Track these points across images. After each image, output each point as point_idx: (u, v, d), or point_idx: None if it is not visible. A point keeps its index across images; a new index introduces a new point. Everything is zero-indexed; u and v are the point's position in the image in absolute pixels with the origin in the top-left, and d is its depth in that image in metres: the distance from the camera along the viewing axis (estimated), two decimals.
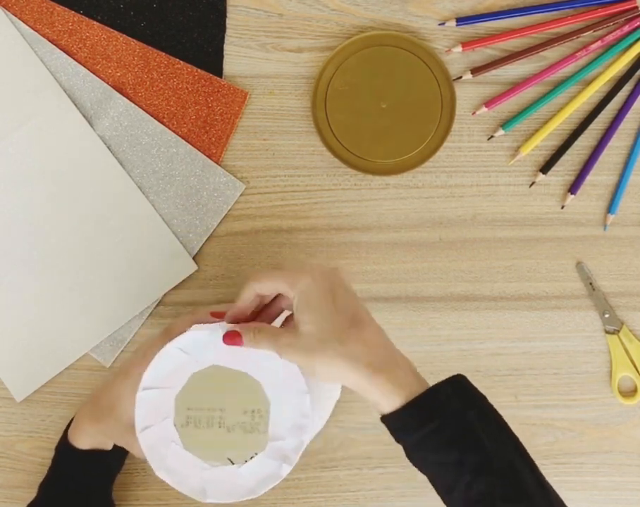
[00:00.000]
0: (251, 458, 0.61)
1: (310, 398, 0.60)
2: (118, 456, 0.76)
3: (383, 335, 0.60)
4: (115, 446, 0.74)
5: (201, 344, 0.61)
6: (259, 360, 0.61)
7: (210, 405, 0.61)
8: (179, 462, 0.61)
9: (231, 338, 0.61)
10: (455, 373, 0.60)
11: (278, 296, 0.64)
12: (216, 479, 0.61)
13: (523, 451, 0.58)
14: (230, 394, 0.61)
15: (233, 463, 0.61)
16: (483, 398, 0.60)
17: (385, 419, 0.59)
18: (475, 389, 0.60)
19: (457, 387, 0.59)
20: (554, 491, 0.57)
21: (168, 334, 0.66)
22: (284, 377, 0.60)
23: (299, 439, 0.60)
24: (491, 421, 0.59)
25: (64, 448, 0.74)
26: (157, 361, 0.62)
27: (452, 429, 0.57)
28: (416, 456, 0.59)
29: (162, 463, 0.61)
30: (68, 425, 0.75)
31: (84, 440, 0.72)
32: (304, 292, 0.59)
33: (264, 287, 0.61)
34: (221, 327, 0.61)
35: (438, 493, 0.59)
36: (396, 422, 0.58)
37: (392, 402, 0.57)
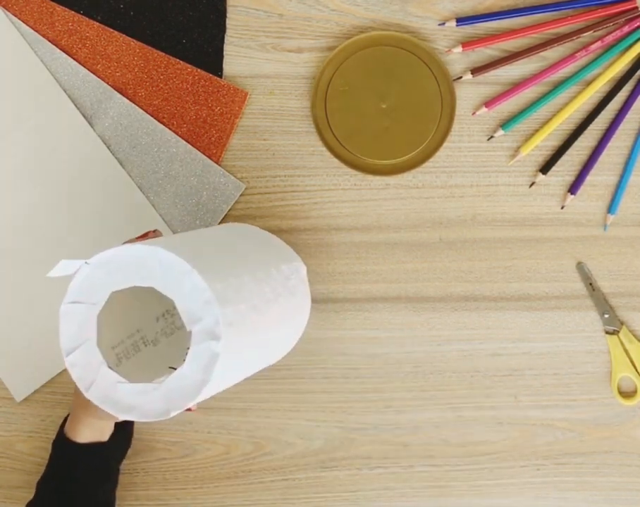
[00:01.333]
0: (186, 354, 0.60)
1: (201, 272, 0.59)
2: (116, 448, 0.77)
3: None
4: (112, 438, 0.74)
5: (86, 287, 0.61)
6: (144, 270, 0.60)
7: (127, 333, 0.61)
8: (133, 397, 0.61)
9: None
10: None
11: None
12: (169, 391, 0.60)
13: None
14: (135, 312, 0.61)
15: (175, 368, 0.60)
16: None
17: None
18: None
19: None
20: None
21: None
22: (167, 271, 0.59)
23: (213, 311, 0.59)
24: None
25: (61, 443, 0.74)
26: (62, 325, 0.61)
27: None
28: None
29: (119, 406, 0.61)
30: (62, 424, 0.76)
31: (82, 432, 0.73)
32: None
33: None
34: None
35: None
36: None
37: None
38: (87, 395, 0.61)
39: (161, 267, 0.59)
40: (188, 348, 0.60)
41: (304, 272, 0.78)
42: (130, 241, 0.67)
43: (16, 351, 0.82)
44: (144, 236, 0.67)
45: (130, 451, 0.80)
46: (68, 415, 0.76)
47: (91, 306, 0.61)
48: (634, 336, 0.83)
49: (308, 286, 0.79)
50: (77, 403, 0.73)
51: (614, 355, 0.82)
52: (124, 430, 0.77)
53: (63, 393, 0.82)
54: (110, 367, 0.61)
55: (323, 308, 0.83)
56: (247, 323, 0.63)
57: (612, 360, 0.83)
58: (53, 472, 0.75)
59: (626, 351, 0.82)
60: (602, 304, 0.83)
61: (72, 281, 0.60)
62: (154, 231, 0.68)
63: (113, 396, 0.61)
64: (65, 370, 0.82)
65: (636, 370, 0.82)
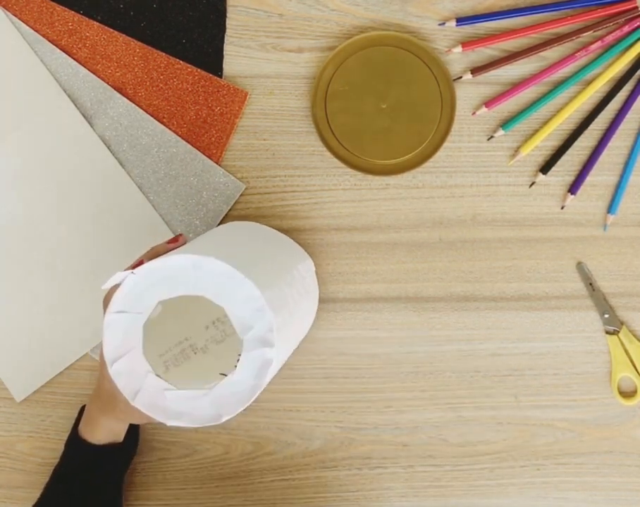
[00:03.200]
0: (237, 360, 0.61)
1: (252, 280, 0.60)
2: (127, 450, 0.77)
3: None
4: (125, 440, 0.74)
5: (133, 297, 0.62)
6: (192, 279, 0.61)
7: (175, 341, 0.62)
8: (181, 404, 0.62)
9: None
10: None
11: None
12: (220, 397, 0.62)
13: None
14: (185, 321, 0.62)
15: (226, 375, 0.61)
16: None
17: None
18: None
19: None
20: None
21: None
22: (219, 279, 0.61)
23: (265, 319, 0.60)
24: None
25: (77, 443, 0.74)
26: (106, 335, 0.62)
27: None
28: None
29: (167, 413, 0.62)
30: (76, 423, 0.75)
31: (99, 433, 0.73)
32: None
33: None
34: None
35: None
36: None
37: None
38: (134, 403, 0.62)
39: (211, 276, 0.61)
40: (239, 355, 0.61)
41: (314, 268, 0.80)
42: (160, 246, 0.68)
43: (16, 351, 0.82)
44: (174, 241, 0.68)
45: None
46: (79, 416, 0.76)
47: (137, 316, 0.62)
48: (634, 336, 0.83)
49: (317, 282, 0.79)
50: (94, 405, 0.73)
51: (614, 355, 0.83)
52: (132, 431, 0.77)
53: (63, 393, 0.82)
54: (157, 375, 0.62)
55: (323, 308, 0.83)
56: (287, 327, 0.65)
57: (612, 360, 0.83)
58: (67, 471, 0.75)
59: (626, 351, 0.83)
60: (602, 304, 0.83)
61: (118, 290, 0.62)
62: (181, 235, 0.69)
63: (161, 404, 0.62)
64: (65, 370, 0.82)
65: (636, 370, 0.82)
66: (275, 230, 0.80)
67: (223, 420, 0.62)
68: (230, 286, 0.60)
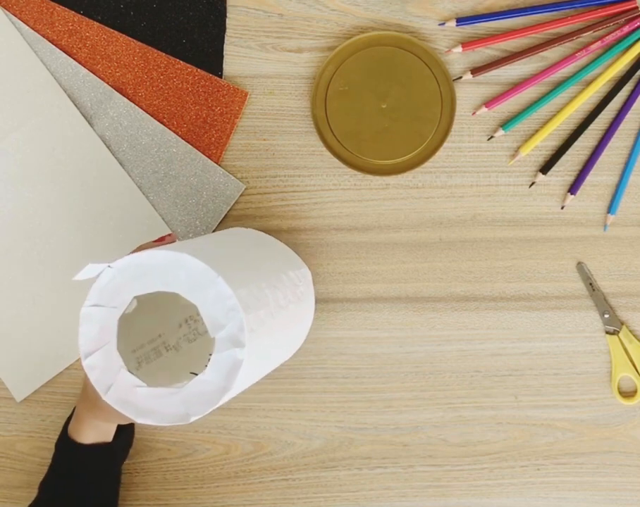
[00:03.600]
0: (208, 360, 0.60)
1: (226, 279, 0.60)
2: (119, 449, 0.77)
3: None
4: (116, 438, 0.74)
5: (108, 291, 0.61)
6: (168, 276, 0.60)
7: (149, 338, 0.62)
8: (151, 401, 0.61)
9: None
10: None
11: None
12: (190, 396, 0.61)
13: None
14: (159, 318, 0.61)
15: (196, 374, 0.61)
16: None
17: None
18: None
19: None
20: None
21: None
22: (192, 277, 0.60)
23: (237, 318, 0.59)
24: None
25: (66, 444, 0.74)
26: (81, 328, 0.61)
27: None
28: None
29: (137, 410, 0.61)
30: (66, 423, 0.76)
31: (86, 433, 0.73)
32: None
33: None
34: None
35: None
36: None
37: None
38: (105, 398, 0.62)
39: (186, 273, 0.60)
40: (210, 355, 0.60)
41: (310, 277, 0.79)
42: (147, 244, 0.67)
43: (16, 351, 0.82)
44: (161, 240, 0.68)
45: (130, 451, 0.80)
46: (71, 416, 0.76)
47: (113, 310, 0.61)
48: (634, 336, 0.83)
49: (313, 291, 0.79)
50: (82, 404, 0.73)
51: (614, 355, 0.83)
52: (126, 431, 0.77)
53: (63, 393, 0.82)
54: (129, 371, 0.61)
55: (323, 308, 0.83)
56: (264, 329, 0.64)
57: (612, 360, 0.83)
58: (56, 473, 0.75)
59: (626, 351, 0.83)
60: (602, 304, 0.83)
61: (95, 283, 0.61)
62: (169, 234, 0.69)
63: (132, 400, 0.62)
64: (65, 370, 0.82)
65: (636, 370, 0.82)
66: (272, 237, 0.80)
67: (192, 419, 0.61)
68: (203, 284, 0.59)
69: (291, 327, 0.74)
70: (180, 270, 0.60)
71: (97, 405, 0.70)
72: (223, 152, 0.83)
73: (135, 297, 0.61)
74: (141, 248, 0.67)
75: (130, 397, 0.62)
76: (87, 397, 0.72)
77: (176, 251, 0.60)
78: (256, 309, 0.62)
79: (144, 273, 0.60)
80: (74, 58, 0.83)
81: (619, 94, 0.83)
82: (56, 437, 0.78)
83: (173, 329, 0.62)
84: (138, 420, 0.62)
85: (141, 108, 0.83)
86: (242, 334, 0.59)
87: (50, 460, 0.76)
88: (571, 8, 0.84)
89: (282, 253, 0.79)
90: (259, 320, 0.62)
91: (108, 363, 0.62)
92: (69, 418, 0.76)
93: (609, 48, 0.83)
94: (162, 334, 0.62)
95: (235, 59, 0.84)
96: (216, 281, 0.59)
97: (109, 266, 0.60)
